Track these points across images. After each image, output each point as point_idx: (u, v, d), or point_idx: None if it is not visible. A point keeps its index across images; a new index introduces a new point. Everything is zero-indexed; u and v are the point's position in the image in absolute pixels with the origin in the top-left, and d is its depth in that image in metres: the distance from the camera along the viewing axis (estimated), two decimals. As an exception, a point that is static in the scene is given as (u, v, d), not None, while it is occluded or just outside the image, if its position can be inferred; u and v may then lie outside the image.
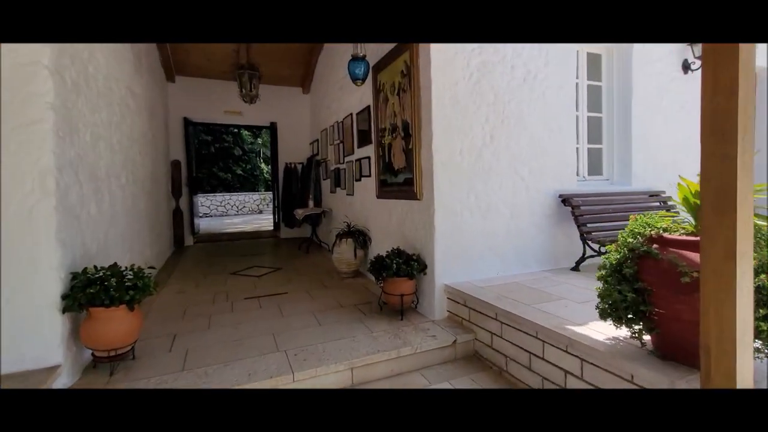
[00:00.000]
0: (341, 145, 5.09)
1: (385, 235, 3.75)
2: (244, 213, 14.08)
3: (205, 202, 13.44)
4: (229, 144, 14.65)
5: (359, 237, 4.10)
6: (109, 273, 2.04)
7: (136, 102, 3.70)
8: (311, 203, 5.67)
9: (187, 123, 6.38)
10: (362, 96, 4.22)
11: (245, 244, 6.68)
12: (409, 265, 2.80)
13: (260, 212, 14.31)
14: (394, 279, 2.79)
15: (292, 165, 7.08)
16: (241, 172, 15.11)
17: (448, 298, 2.87)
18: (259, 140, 16.12)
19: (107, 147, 2.75)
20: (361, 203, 4.42)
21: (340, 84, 5.02)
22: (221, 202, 13.75)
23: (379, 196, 3.80)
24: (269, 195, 15.06)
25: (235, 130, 14.74)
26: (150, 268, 2.19)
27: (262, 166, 16.13)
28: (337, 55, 5.13)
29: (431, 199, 2.84)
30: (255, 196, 14.47)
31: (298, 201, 6.91)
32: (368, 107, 4.02)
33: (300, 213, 5.53)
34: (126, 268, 2.16)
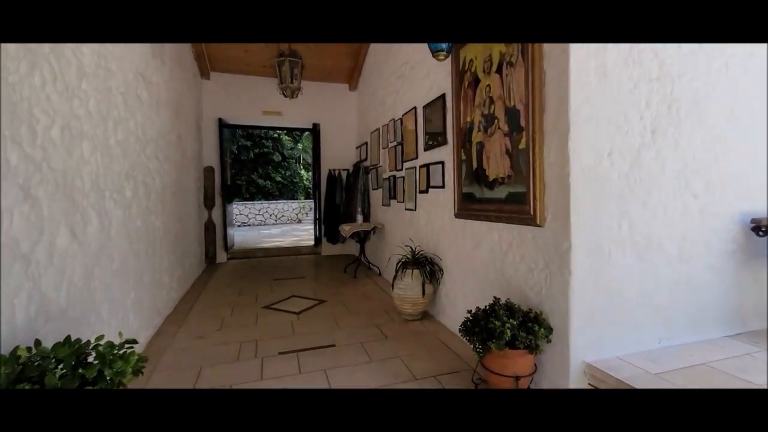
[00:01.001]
0: (399, 147, 4.18)
1: (466, 269, 2.77)
2: (283, 222, 13.58)
3: (243, 210, 13.11)
4: (268, 149, 14.29)
5: (426, 267, 3.15)
6: (53, 358, 1.23)
7: (153, 93, 3.01)
8: (360, 218, 4.82)
9: (222, 125, 5.78)
10: (433, 83, 3.29)
11: (283, 263, 5.95)
12: (529, 330, 1.81)
13: (299, 222, 13.76)
14: (506, 352, 1.80)
15: (336, 172, 6.30)
16: (280, 179, 14.66)
17: (590, 383, 1.83)
18: (300, 145, 15.68)
19: (98, 148, 2.01)
20: (427, 222, 3.47)
21: (400, 72, 4.13)
22: (260, 211, 13.36)
23: (459, 215, 2.83)
24: (309, 204, 14.53)
25: (275, 135, 14.38)
26: (129, 342, 1.37)
27: (302, 172, 15.64)
28: (395, 39, 4.26)
29: (565, 229, 1.83)
30: (294, 204, 13.95)
31: (343, 214, 6.09)
32: (442, 96, 3.08)
33: (347, 230, 4.68)
34: (91, 342, 1.34)
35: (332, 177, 6.30)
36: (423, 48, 3.43)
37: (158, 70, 3.18)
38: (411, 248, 3.36)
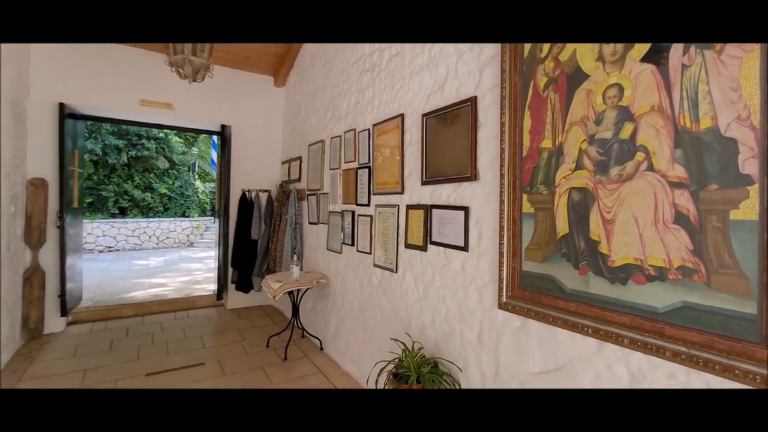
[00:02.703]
0: (365, 172, 2.88)
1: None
2: (168, 246, 10.74)
3: (109, 230, 9.98)
4: (150, 152, 11.27)
5: (429, 381, 1.88)
6: None
7: None
8: (295, 269, 3.32)
9: (66, 114, 3.72)
10: (444, 79, 2.10)
11: (167, 328, 4.03)
12: None
13: (190, 245, 11.11)
14: None
15: (253, 194, 4.66)
16: (166, 190, 11.65)
17: None
18: (195, 149, 12.89)
19: None
20: (423, 297, 2.22)
21: (370, 62, 2.86)
22: (134, 231, 10.35)
23: (511, 307, 1.65)
24: (205, 222, 11.97)
25: (161, 134, 11.50)
26: None
27: (197, 183, 12.79)
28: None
29: None
30: (185, 223, 11.17)
31: (262, 254, 4.47)
32: (470, 102, 1.90)
33: (276, 288, 3.14)
34: None
35: (246, 201, 4.63)
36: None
37: None
38: (405, 347, 2.05)
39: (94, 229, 9.70)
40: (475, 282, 1.89)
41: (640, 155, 1.22)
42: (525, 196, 1.60)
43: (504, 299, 1.69)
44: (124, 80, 3.99)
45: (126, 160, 10.86)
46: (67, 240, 3.72)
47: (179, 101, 4.26)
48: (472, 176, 1.89)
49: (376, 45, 2.81)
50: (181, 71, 2.41)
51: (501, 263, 1.70)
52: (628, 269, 1.25)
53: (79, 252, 4.23)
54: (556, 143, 1.48)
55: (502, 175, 1.69)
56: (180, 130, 5.22)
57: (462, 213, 1.96)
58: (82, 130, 4.31)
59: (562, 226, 1.45)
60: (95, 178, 10.66)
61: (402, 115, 2.45)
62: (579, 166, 1.40)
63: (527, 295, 1.59)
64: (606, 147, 1.31)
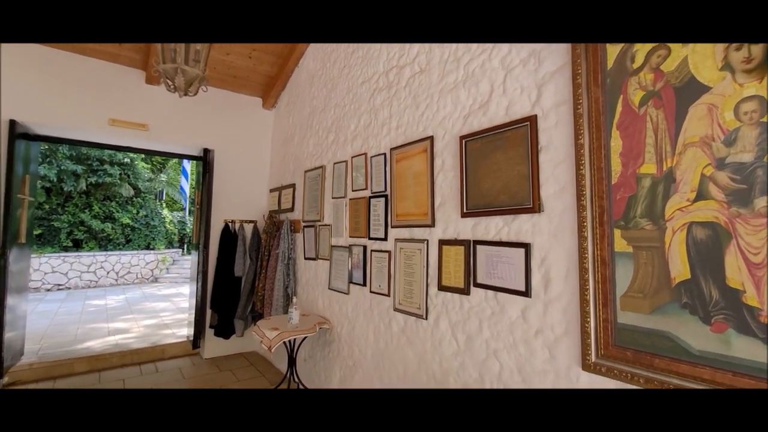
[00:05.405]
0: (381, 202, 2.56)
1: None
2: (129, 282, 9.71)
3: (60, 266, 8.90)
4: (112, 178, 10.37)
5: None
6: None
7: None
8: (296, 312, 2.86)
9: (17, 134, 3.18)
10: (486, 95, 1.86)
11: (129, 386, 3.39)
12: None
13: (155, 280, 10.12)
14: None
15: (237, 225, 4.20)
16: (129, 220, 10.67)
17: None
18: (163, 176, 12.05)
19: None
20: (464, 349, 1.86)
21: (385, 81, 2.60)
22: (89, 267, 9.31)
23: (603, 369, 1.33)
24: (171, 255, 11.06)
25: (125, 159, 10.64)
26: None
27: (165, 212, 11.85)
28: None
29: None
30: (149, 256, 10.22)
31: (247, 293, 3.98)
32: (527, 123, 1.65)
33: (273, 337, 2.67)
34: None
35: (229, 233, 4.16)
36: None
37: None
38: None
39: (42, 265, 8.66)
40: (543, 335, 1.57)
41: (806, 183, 0.98)
42: (618, 232, 1.32)
43: (593, 359, 1.37)
44: (91, 97, 3.53)
45: (84, 188, 9.95)
46: (9, 280, 3.10)
47: (155, 122, 3.83)
48: (535, 207, 1.61)
49: (393, 62, 2.57)
50: (170, 83, 2.04)
51: (585, 313, 1.39)
52: (796, 328, 0.98)
53: (23, 292, 3.57)
54: (664, 168, 1.22)
55: (581, 207, 1.42)
56: (155, 155, 4.72)
57: (521, 251, 1.66)
58: (36, 155, 3.75)
59: (680, 270, 1.18)
60: (47, 207, 9.65)
61: (431, 138, 2.17)
62: (702, 195, 1.14)
63: (629, 355, 1.28)
64: (745, 173, 1.07)
